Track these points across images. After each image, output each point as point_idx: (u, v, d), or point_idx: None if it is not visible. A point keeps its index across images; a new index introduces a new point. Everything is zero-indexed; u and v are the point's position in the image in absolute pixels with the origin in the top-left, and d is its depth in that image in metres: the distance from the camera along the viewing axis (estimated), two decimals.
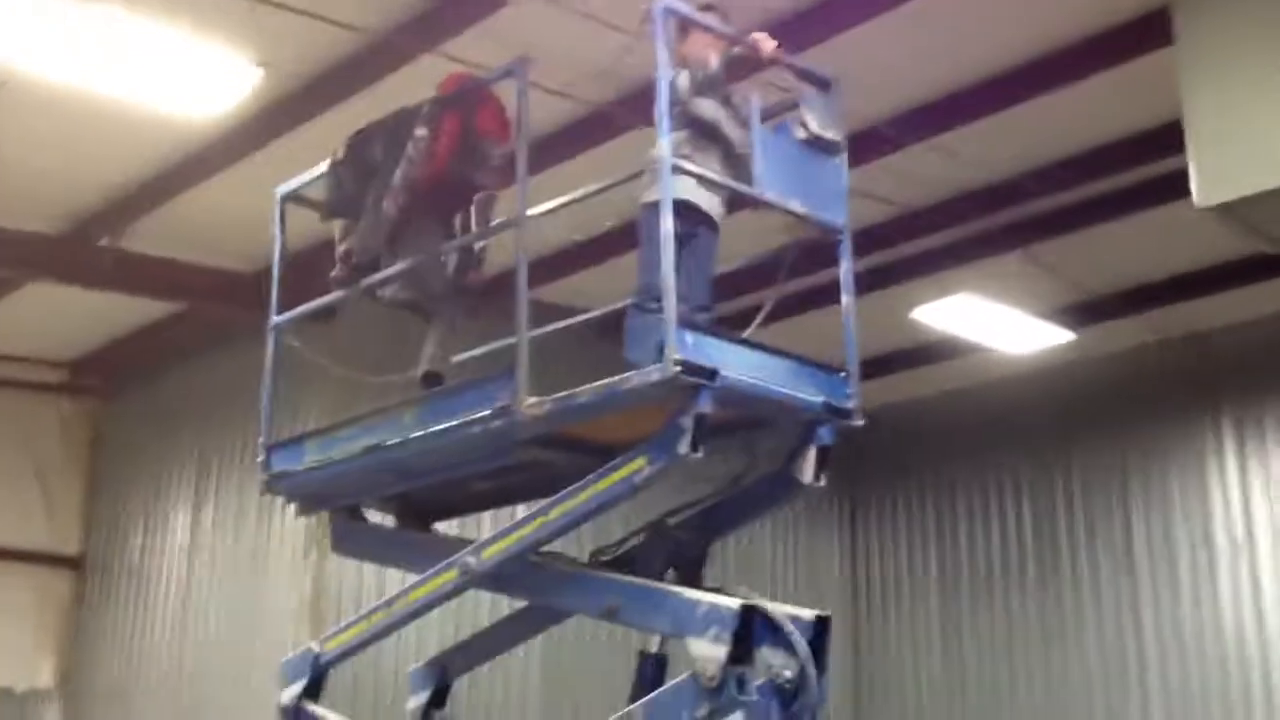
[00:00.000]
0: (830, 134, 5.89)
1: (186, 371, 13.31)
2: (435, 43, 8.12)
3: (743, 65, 6.03)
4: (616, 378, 5.17)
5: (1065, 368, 13.12)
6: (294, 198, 6.95)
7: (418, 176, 6.00)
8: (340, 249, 6.25)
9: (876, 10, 7.59)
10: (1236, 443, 12.44)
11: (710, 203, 5.96)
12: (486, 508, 7.23)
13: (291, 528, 11.04)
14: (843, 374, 5.57)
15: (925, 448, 14.55)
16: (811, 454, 5.48)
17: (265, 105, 8.80)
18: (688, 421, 4.92)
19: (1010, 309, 11.69)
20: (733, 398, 5.08)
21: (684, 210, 5.73)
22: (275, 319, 6.82)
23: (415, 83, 6.78)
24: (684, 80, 5.81)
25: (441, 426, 5.74)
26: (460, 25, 7.96)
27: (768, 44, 5.82)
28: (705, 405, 4.93)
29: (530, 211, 5.79)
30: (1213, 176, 6.27)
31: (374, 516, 6.79)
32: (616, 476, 5.14)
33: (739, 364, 5.15)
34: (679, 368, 4.86)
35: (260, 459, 6.71)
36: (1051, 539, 13.45)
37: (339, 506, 6.74)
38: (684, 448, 4.90)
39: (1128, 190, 9.83)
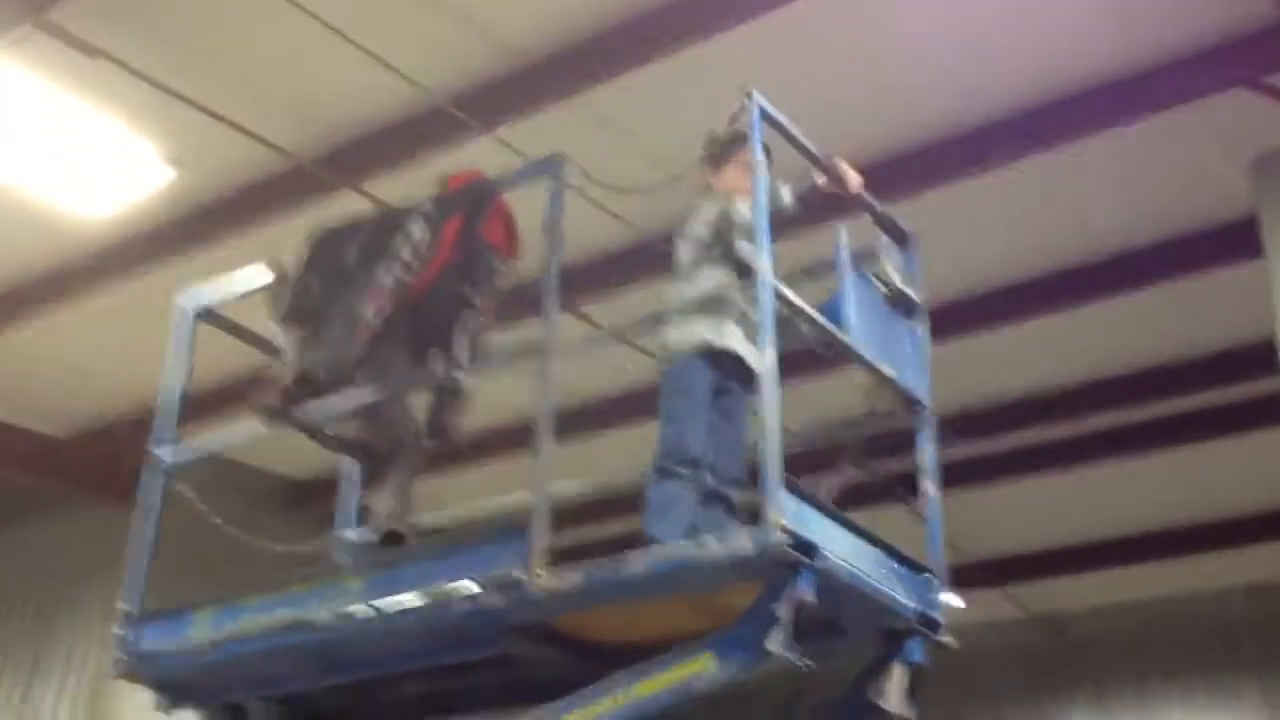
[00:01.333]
0: (914, 293, 5.00)
1: None
2: (357, 179, 7.09)
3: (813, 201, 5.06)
4: (663, 547, 3.98)
5: None
6: (208, 315, 5.66)
7: (409, 283, 4.80)
8: (295, 369, 4.91)
9: None
10: None
11: (754, 358, 4.89)
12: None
13: None
14: (928, 575, 4.48)
15: None
16: (898, 674, 4.29)
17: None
18: (785, 611, 3.70)
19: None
20: (828, 589, 3.89)
21: (725, 362, 4.69)
22: (166, 458, 5.39)
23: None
24: (744, 211, 4.81)
25: (406, 601, 4.37)
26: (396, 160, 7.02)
27: (854, 177, 4.89)
28: (808, 591, 3.74)
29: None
30: None
31: None
32: (669, 678, 3.84)
33: (835, 547, 3.98)
34: (787, 537, 3.67)
35: (120, 632, 5.15)
36: None
37: (220, 702, 5.18)
38: (777, 644, 3.67)
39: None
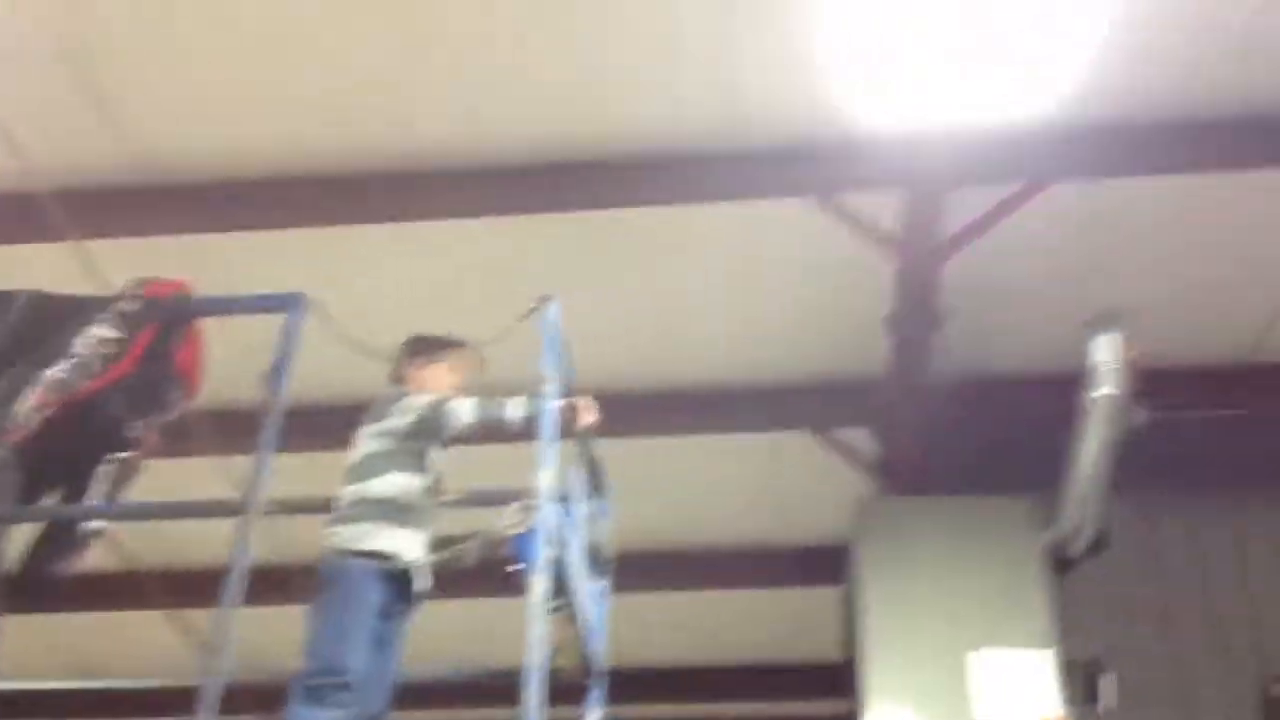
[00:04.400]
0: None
1: None
2: None
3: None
4: None
5: None
6: None
7: (79, 389, 3.88)
8: None
9: None
10: None
11: (424, 576, 4.34)
12: None
13: None
14: None
15: None
16: None
17: None
18: None
19: None
20: None
21: (400, 578, 4.11)
22: None
23: None
24: (461, 410, 4.33)
25: None
26: None
27: (590, 412, 4.57)
28: None
29: None
30: None
31: None
32: None
33: None
34: None
35: None
36: None
37: None
38: None
39: None
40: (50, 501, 4.16)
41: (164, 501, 4.48)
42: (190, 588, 7.70)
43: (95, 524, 4.15)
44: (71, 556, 4.10)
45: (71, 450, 4.09)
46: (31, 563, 4.08)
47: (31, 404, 3.79)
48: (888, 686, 5.70)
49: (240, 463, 5.72)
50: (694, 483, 7.28)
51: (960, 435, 6.48)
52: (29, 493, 4.08)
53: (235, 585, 3.51)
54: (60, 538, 4.11)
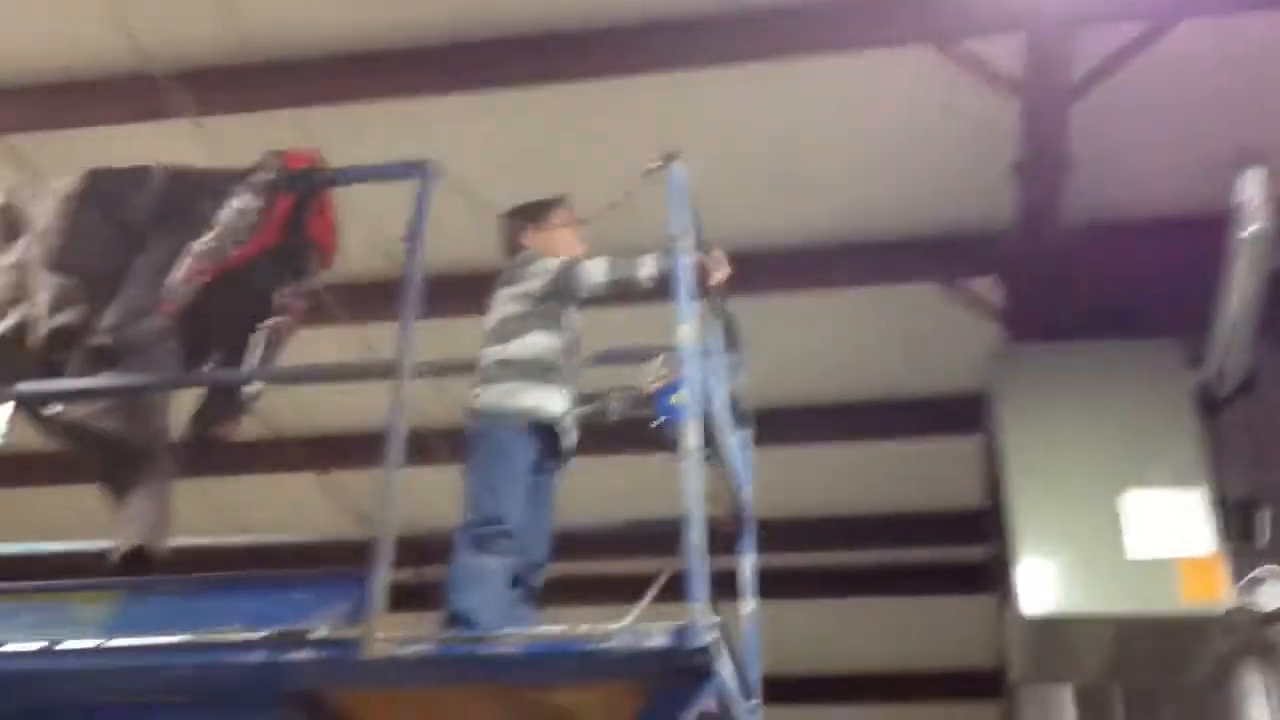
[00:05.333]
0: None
1: None
2: None
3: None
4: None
5: None
6: None
7: (227, 258, 3.98)
8: (47, 325, 3.91)
9: None
10: None
11: (570, 433, 4.42)
12: None
13: None
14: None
15: None
16: None
17: None
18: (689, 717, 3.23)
19: None
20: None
21: (546, 435, 4.19)
22: None
23: None
24: (594, 271, 4.35)
25: (162, 641, 3.48)
26: None
27: (722, 268, 4.57)
28: (710, 700, 3.29)
29: None
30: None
31: None
32: None
33: None
34: (715, 636, 3.21)
35: None
36: None
37: None
38: None
39: None
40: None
41: (318, 364, 4.59)
42: (336, 452, 8.01)
43: (253, 388, 4.31)
44: (232, 420, 4.28)
45: (225, 319, 4.24)
46: (195, 428, 4.27)
47: (183, 276, 3.92)
48: (1037, 531, 5.65)
49: (369, 332, 5.92)
50: (824, 338, 7.24)
51: (1095, 281, 6.34)
52: (188, 363, 4.25)
53: (396, 444, 3.61)
54: (221, 403, 4.28)
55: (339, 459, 8.02)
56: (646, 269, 4.17)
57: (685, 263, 3.91)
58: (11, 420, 4.19)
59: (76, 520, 4.90)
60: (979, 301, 6.73)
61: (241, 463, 7.55)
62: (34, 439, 4.45)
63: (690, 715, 3.21)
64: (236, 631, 3.47)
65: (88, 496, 4.54)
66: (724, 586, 3.79)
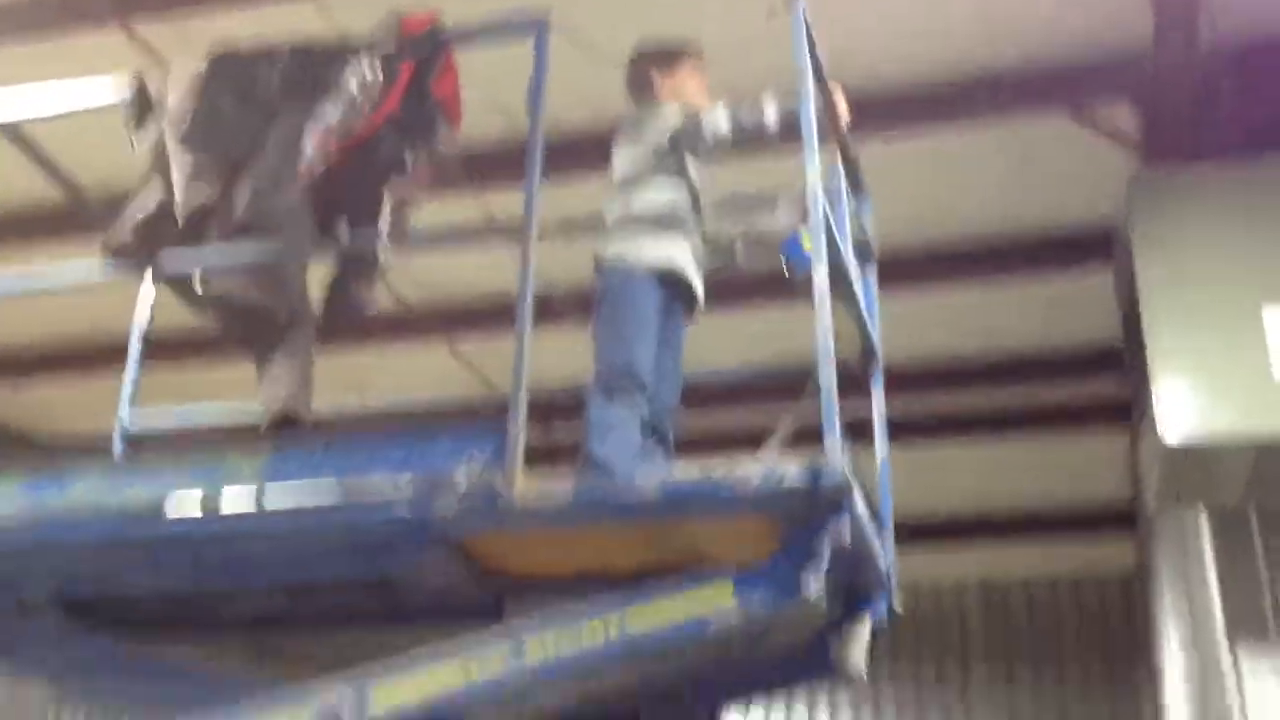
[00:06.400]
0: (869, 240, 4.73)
1: None
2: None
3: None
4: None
5: None
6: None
7: (355, 126, 4.06)
8: (189, 203, 4.05)
9: None
10: None
11: (698, 283, 4.45)
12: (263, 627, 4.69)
13: None
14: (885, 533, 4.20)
15: None
16: (863, 632, 3.98)
17: None
18: (823, 548, 3.31)
19: None
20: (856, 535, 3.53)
21: (674, 285, 4.23)
22: None
23: None
24: (719, 121, 4.32)
25: (312, 496, 3.64)
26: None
27: (846, 107, 4.52)
28: (846, 531, 3.36)
29: None
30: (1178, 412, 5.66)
31: None
32: (674, 610, 3.35)
33: None
34: (847, 471, 3.27)
35: None
36: None
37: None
38: (817, 585, 3.27)
39: None
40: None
41: (449, 228, 4.64)
42: (464, 321, 8.18)
43: (386, 255, 4.41)
44: (368, 288, 4.40)
45: (355, 189, 4.32)
46: (332, 298, 4.40)
47: (312, 147, 4.00)
48: (1177, 356, 5.54)
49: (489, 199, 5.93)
50: (949, 175, 7.07)
51: (1237, 103, 6.09)
52: (320, 233, 4.37)
53: (528, 303, 3.69)
54: (355, 271, 4.40)
55: (467, 327, 8.19)
56: (770, 111, 4.15)
57: (809, 104, 3.86)
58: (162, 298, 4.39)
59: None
60: (1113, 128, 6.50)
61: (371, 333, 7.77)
62: (187, 317, 4.66)
63: (824, 549, 3.27)
64: (381, 480, 3.60)
65: (239, 374, 4.72)
66: (855, 431, 3.82)
